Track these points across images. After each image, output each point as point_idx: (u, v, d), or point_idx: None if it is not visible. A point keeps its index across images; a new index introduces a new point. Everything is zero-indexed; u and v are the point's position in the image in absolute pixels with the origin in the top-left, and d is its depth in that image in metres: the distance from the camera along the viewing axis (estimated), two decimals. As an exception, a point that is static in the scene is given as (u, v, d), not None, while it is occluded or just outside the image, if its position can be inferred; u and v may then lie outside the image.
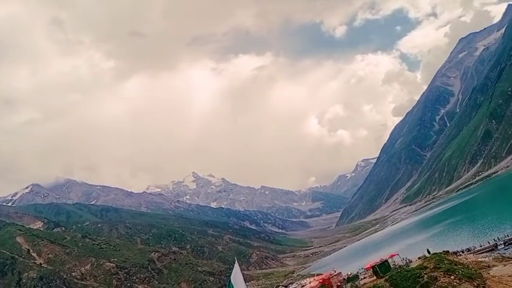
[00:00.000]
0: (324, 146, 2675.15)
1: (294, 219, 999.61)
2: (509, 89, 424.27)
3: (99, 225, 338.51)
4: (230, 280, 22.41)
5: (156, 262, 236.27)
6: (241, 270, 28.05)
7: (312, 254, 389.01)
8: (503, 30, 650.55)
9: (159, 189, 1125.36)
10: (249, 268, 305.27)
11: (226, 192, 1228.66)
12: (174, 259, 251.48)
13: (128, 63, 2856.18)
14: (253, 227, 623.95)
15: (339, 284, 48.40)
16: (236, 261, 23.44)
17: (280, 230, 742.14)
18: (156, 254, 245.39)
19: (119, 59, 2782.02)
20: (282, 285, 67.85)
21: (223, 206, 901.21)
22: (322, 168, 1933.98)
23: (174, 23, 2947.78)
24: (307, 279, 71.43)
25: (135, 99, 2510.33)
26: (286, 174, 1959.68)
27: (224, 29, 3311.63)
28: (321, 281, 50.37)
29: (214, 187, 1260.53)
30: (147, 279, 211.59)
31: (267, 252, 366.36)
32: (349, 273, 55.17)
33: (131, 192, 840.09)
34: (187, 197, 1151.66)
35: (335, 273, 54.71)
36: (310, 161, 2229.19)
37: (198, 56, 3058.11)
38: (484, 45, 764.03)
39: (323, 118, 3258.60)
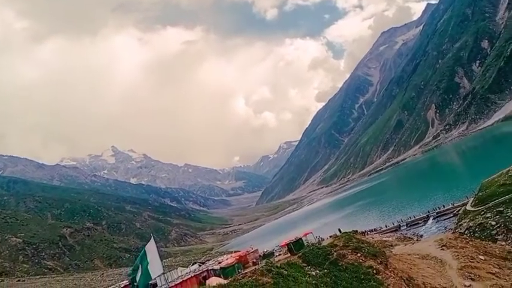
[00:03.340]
0: (249, 126, 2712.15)
1: (216, 198, 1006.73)
2: (422, 83, 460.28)
3: (5, 197, 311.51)
4: (145, 255, 21.50)
5: (68, 238, 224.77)
6: (157, 246, 27.29)
7: (231, 231, 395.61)
8: (421, 28, 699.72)
9: (75, 163, 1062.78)
10: (168, 245, 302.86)
11: (147, 169, 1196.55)
12: (88, 235, 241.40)
13: (45, 24, 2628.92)
14: (174, 204, 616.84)
15: (254, 260, 49.33)
16: (152, 237, 22.55)
17: (201, 208, 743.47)
18: (68, 229, 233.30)
19: (34, 19, 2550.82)
20: (199, 262, 67.56)
21: (143, 183, 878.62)
22: (247, 149, 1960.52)
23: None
24: (225, 256, 72.24)
25: (52, 64, 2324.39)
26: (210, 153, 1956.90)
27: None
28: (237, 257, 51.03)
29: (134, 163, 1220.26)
30: (57, 255, 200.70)
31: (186, 230, 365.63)
32: (266, 250, 56.68)
33: (43, 164, 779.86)
34: (105, 171, 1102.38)
35: (252, 251, 55.78)
36: (235, 140, 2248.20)
37: (123, 23, 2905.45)
38: (403, 40, 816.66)
39: (250, 99, 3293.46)
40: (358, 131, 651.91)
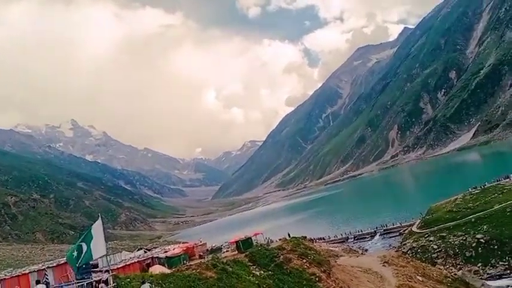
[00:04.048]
0: (216, 120, 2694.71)
1: (172, 186, 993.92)
2: (389, 103, 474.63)
3: None
4: (90, 234, 20.83)
5: (12, 207, 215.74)
6: (104, 227, 26.54)
7: (182, 222, 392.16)
8: (395, 49, 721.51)
9: (30, 130, 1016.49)
10: (115, 227, 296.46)
11: (105, 147, 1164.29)
12: (33, 207, 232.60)
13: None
14: (128, 187, 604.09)
15: (201, 254, 49.07)
16: (100, 217, 21.88)
17: (155, 195, 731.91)
18: (13, 198, 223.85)
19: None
20: (145, 248, 66.46)
21: (99, 161, 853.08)
22: (210, 142, 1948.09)
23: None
24: (172, 245, 71.44)
25: (19, 26, 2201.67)
26: (173, 141, 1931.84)
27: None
28: (185, 248, 50.58)
29: (93, 139, 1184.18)
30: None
31: (137, 214, 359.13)
32: (214, 245, 56.47)
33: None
34: (61, 144, 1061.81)
35: (200, 244, 55.45)
36: (200, 132, 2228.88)
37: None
38: (377, 59, 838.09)
39: (221, 93, 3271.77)
40: (322, 140, 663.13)
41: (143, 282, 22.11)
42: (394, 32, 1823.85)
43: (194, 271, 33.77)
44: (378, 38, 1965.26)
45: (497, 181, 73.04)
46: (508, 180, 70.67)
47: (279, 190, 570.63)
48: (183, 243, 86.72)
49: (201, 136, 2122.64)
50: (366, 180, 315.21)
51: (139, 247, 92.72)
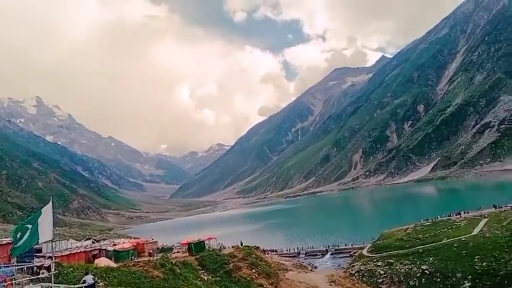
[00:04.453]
0: (186, 118, 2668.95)
1: (131, 179, 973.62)
2: (357, 126, 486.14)
3: None
4: (38, 216, 20.00)
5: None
6: (54, 212, 25.61)
7: (137, 217, 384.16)
8: (370, 75, 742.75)
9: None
10: (66, 214, 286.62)
11: (68, 130, 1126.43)
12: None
13: None
14: (85, 174, 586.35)
15: (151, 251, 48.35)
16: (51, 201, 21.05)
17: (112, 185, 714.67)
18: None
19: None
20: (94, 239, 64.72)
21: (59, 143, 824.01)
22: (177, 139, 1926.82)
23: None
24: (122, 239, 69.87)
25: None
26: (139, 133, 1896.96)
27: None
28: (135, 244, 49.71)
29: (56, 120, 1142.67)
30: None
31: (90, 203, 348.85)
32: (165, 244, 55.71)
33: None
34: (22, 120, 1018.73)
35: (151, 241, 54.62)
36: (168, 128, 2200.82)
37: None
38: (352, 82, 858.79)
39: (195, 92, 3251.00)
40: (288, 154, 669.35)
41: (86, 274, 21.42)
42: (372, 58, 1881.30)
43: (141, 268, 33.21)
44: (355, 62, 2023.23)
45: (449, 216, 75.93)
46: (458, 216, 73.55)
47: (239, 197, 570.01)
48: (133, 238, 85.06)
49: (168, 132, 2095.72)
50: (325, 198, 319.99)
51: (87, 237, 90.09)
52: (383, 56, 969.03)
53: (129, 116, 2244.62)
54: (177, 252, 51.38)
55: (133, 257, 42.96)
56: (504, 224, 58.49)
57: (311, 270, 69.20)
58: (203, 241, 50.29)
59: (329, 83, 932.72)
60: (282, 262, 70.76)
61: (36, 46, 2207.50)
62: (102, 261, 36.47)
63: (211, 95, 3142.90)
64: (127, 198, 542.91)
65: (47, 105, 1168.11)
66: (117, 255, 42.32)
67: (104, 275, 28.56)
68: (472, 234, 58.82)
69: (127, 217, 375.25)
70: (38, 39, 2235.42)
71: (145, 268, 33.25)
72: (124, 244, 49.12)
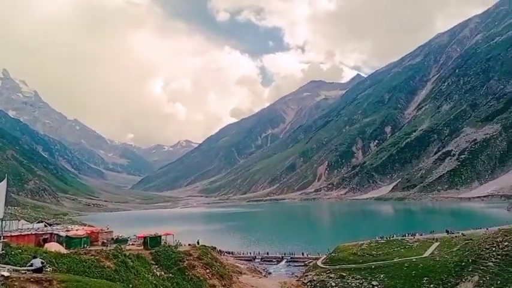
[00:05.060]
0: (157, 111, 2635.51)
1: (92, 165, 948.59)
2: (325, 139, 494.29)
3: None
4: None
5: None
6: (8, 190, 24.60)
7: (94, 204, 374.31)
8: (344, 92, 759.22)
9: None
10: (20, 193, 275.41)
11: (32, 107, 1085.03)
12: None
13: None
14: (45, 154, 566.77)
15: (105, 241, 47.27)
16: (6, 179, 20.35)
17: (72, 170, 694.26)
18: None
19: None
20: (46, 223, 62.65)
21: (22, 120, 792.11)
22: (145, 131, 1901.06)
23: None
24: (76, 226, 67.90)
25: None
26: (106, 119, 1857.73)
27: None
28: (89, 232, 48.46)
29: (21, 96, 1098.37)
30: None
31: (47, 185, 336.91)
32: (120, 235, 54.47)
33: None
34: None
35: (106, 230, 53.35)
36: (137, 118, 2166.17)
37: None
38: (326, 96, 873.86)
39: (169, 85, 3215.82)
40: (255, 158, 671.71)
41: (35, 257, 20.73)
42: (347, 75, 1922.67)
43: (93, 257, 32.36)
44: (331, 77, 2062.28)
45: (403, 236, 78.17)
46: (412, 237, 75.85)
47: (202, 196, 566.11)
48: (88, 226, 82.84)
49: (137, 122, 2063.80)
50: (287, 206, 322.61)
51: (40, 219, 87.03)
52: (358, 74, 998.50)
53: (98, 101, 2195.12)
54: (132, 244, 50.37)
55: (85, 245, 41.86)
56: (454, 249, 60.70)
57: (265, 275, 69.47)
58: (160, 236, 49.60)
59: (303, 94, 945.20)
60: (237, 265, 70.70)
61: (10, 19, 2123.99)
62: (53, 246, 35.33)
63: (184, 90, 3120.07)
64: (86, 185, 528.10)
65: (14, 79, 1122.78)
66: (69, 242, 41.14)
67: (53, 260, 27.66)
68: (423, 256, 60.73)
69: (84, 204, 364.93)
70: (13, 13, 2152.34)
71: (97, 257, 32.41)
72: (77, 231, 47.79)
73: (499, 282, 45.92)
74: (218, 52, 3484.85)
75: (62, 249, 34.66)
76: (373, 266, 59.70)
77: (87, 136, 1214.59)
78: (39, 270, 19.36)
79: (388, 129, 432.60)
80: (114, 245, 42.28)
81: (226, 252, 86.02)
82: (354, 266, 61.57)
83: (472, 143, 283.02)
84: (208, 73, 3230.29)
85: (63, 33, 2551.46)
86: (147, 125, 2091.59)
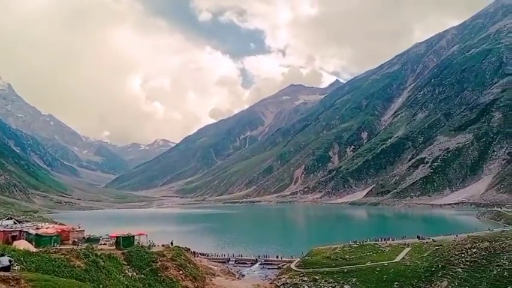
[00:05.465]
0: (134, 108, 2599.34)
1: (66, 162, 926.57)
2: (303, 143, 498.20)
3: None
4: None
5: None
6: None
7: (66, 202, 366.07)
8: (322, 97, 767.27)
9: None
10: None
11: (5, 100, 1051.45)
12: None
13: None
14: (17, 149, 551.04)
15: (76, 240, 46.34)
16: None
17: (45, 166, 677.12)
18: None
19: None
20: (16, 220, 61.01)
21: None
22: (121, 128, 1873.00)
23: None
24: (47, 224, 66.33)
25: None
26: (82, 116, 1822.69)
27: None
28: (59, 230, 47.48)
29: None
30: None
31: (18, 181, 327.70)
32: (92, 234, 53.48)
33: None
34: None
35: (78, 229, 52.32)
36: (114, 115, 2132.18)
37: None
38: (305, 100, 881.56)
39: (148, 83, 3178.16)
40: (233, 160, 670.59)
41: (2, 255, 20.18)
42: (327, 80, 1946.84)
43: (63, 256, 31.75)
44: (310, 81, 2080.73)
45: (376, 241, 79.50)
46: (384, 242, 77.23)
47: (177, 196, 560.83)
48: (59, 224, 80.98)
49: (113, 120, 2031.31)
50: (263, 208, 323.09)
51: (9, 216, 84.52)
52: (337, 80, 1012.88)
53: (74, 97, 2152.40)
54: (104, 244, 49.52)
55: (56, 244, 40.97)
56: (424, 255, 62.12)
57: (238, 278, 69.39)
58: (133, 236, 48.94)
59: (283, 97, 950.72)
60: (211, 267, 70.39)
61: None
62: (22, 244, 34.48)
63: (163, 88, 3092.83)
64: (58, 182, 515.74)
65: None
66: (38, 240, 40.20)
67: (22, 258, 27.01)
68: (394, 260, 61.92)
69: (55, 201, 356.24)
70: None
71: (67, 257, 31.78)
72: (48, 229, 46.75)
73: (467, 287, 47.25)
74: (199, 52, 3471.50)
75: (31, 248, 33.85)
76: (345, 270, 60.48)
77: (61, 132, 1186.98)
78: (6, 268, 18.88)
79: (364, 135, 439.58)
80: (86, 244, 41.55)
81: (201, 254, 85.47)
82: (327, 269, 62.21)
83: (445, 152, 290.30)
84: (188, 72, 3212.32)
85: (41, 26, 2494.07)
86: (123, 123, 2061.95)
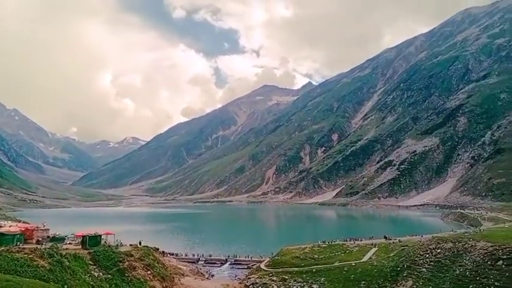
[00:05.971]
0: (104, 104, 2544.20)
1: (31, 159, 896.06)
2: (275, 143, 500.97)
3: None
4: None
5: None
6: None
7: (30, 200, 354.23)
8: (295, 98, 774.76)
9: None
10: None
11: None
12: None
13: None
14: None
15: (40, 239, 44.94)
16: None
17: (8, 162, 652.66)
18: None
19: None
20: (-25, 218, 58.78)
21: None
22: (89, 125, 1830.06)
23: None
24: (9, 222, 64.05)
25: None
26: (49, 111, 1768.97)
27: None
28: (23, 229, 45.96)
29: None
30: None
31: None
32: (57, 233, 51.95)
33: None
34: None
35: (42, 228, 50.76)
36: (82, 112, 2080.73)
37: None
38: (278, 101, 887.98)
39: (118, 79, 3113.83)
40: (205, 159, 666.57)
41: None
42: (299, 82, 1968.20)
43: (26, 256, 30.80)
44: (284, 82, 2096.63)
45: (345, 241, 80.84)
46: (353, 242, 78.66)
47: (147, 195, 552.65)
48: (22, 222, 78.31)
49: (81, 116, 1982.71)
50: (234, 208, 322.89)
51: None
52: (309, 82, 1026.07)
53: (41, 91, 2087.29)
54: (69, 243, 48.25)
55: (19, 243, 39.61)
56: (391, 254, 63.64)
57: (208, 278, 69.06)
58: (100, 235, 47.93)
59: (256, 98, 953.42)
60: (180, 266, 69.72)
61: None
62: (-19, 243, 33.17)
63: (134, 85, 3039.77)
64: (22, 179, 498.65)
65: None
66: (0, 239, 38.77)
67: (-19, 258, 25.96)
68: (361, 260, 63.13)
69: (19, 199, 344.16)
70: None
71: (30, 256, 30.83)
72: (10, 227, 45.14)
73: (431, 287, 48.67)
74: (172, 49, 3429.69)
75: (-8, 247, 32.61)
76: (314, 270, 61.17)
77: (26, 127, 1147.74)
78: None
79: (335, 136, 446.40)
80: (50, 244, 40.40)
81: (169, 254, 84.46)
82: (296, 269, 62.75)
83: (412, 154, 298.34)
84: (160, 70, 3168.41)
85: (8, 18, 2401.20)
86: (92, 119, 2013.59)
